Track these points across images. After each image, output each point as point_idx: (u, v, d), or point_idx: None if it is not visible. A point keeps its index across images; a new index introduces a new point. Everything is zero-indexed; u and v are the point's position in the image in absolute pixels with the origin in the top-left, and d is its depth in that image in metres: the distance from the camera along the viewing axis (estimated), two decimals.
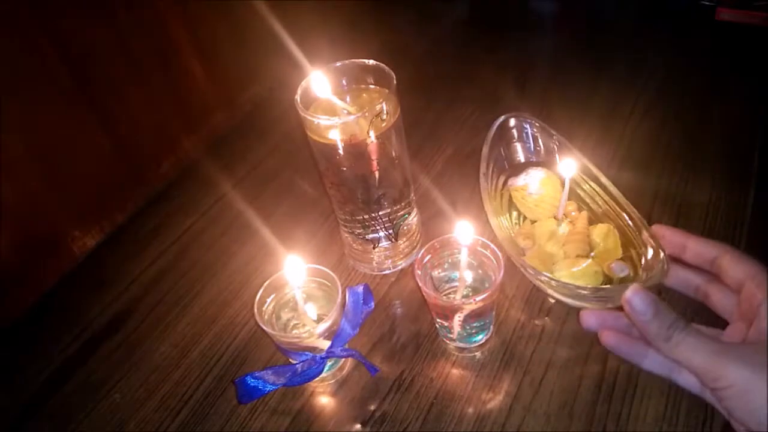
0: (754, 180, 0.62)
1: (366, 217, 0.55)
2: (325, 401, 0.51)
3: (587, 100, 0.76)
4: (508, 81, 0.79)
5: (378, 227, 0.56)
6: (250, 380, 0.48)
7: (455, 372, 0.51)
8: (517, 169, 0.60)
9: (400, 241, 0.58)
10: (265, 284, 0.50)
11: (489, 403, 0.48)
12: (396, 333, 0.54)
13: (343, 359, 0.52)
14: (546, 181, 0.57)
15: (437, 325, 0.53)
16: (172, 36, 0.72)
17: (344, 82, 0.53)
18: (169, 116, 0.75)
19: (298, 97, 0.50)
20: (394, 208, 0.55)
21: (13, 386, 0.57)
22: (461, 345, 0.52)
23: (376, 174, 0.51)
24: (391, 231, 0.56)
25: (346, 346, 0.49)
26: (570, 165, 0.54)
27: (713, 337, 0.38)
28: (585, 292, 0.47)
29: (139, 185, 0.73)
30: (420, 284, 0.48)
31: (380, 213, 0.54)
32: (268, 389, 0.48)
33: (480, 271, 0.51)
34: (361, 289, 0.50)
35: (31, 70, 0.59)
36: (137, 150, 0.72)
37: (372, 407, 0.49)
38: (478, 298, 0.46)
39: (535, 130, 0.60)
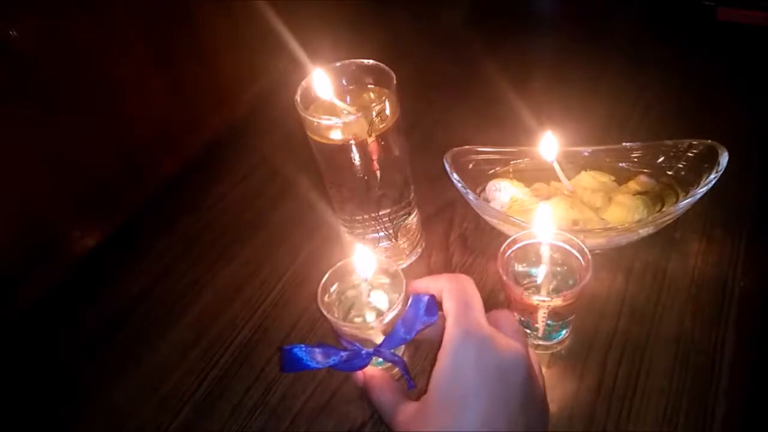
0: (755, 177, 0.62)
1: (366, 217, 0.55)
2: (325, 401, 0.51)
3: (588, 100, 0.76)
4: (508, 81, 0.79)
5: (378, 227, 0.56)
6: (298, 351, 0.46)
7: None
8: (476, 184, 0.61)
9: (400, 241, 0.58)
10: (331, 270, 0.48)
11: None
12: None
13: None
14: (516, 189, 0.59)
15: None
16: (172, 36, 0.72)
17: (344, 82, 0.53)
18: (169, 116, 0.75)
19: (298, 97, 0.50)
20: (394, 208, 0.55)
21: (13, 386, 0.57)
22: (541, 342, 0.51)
23: (377, 174, 0.51)
24: (391, 231, 0.56)
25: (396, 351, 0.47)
26: (551, 145, 0.58)
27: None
28: (669, 215, 0.53)
29: (139, 185, 0.73)
30: (504, 279, 0.47)
31: (380, 213, 0.54)
32: (312, 366, 0.46)
33: (561, 268, 0.50)
34: (426, 299, 0.45)
35: (30, 70, 0.59)
36: (137, 150, 0.72)
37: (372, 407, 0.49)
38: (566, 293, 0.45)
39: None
